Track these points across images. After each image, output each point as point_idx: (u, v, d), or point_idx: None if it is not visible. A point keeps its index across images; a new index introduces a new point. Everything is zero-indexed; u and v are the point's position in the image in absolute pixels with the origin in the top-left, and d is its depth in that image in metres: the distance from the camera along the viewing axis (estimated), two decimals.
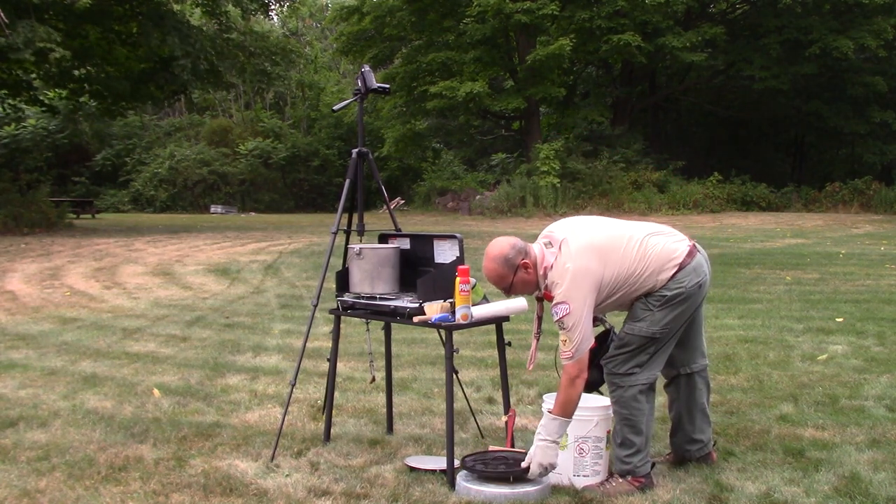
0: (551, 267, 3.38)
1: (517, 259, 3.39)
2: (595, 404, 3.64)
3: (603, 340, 3.67)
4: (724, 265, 12.28)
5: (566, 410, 3.31)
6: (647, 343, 3.45)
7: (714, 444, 3.77)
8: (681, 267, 3.41)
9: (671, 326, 3.45)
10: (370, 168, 4.14)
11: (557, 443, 3.33)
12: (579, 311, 3.29)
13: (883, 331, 6.88)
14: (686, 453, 3.70)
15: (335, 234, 4.02)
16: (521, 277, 3.42)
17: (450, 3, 27.26)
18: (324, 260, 4.05)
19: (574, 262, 3.32)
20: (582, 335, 3.30)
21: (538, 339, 3.71)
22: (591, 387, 3.66)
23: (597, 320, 3.66)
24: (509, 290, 3.46)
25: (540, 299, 3.58)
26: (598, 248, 3.37)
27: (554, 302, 3.34)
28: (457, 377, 3.81)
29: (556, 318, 3.33)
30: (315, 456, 3.89)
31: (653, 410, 3.53)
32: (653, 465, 3.54)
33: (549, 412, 3.33)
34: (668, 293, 3.40)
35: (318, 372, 5.49)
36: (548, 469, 3.34)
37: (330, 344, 4.11)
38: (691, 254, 3.47)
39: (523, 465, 3.36)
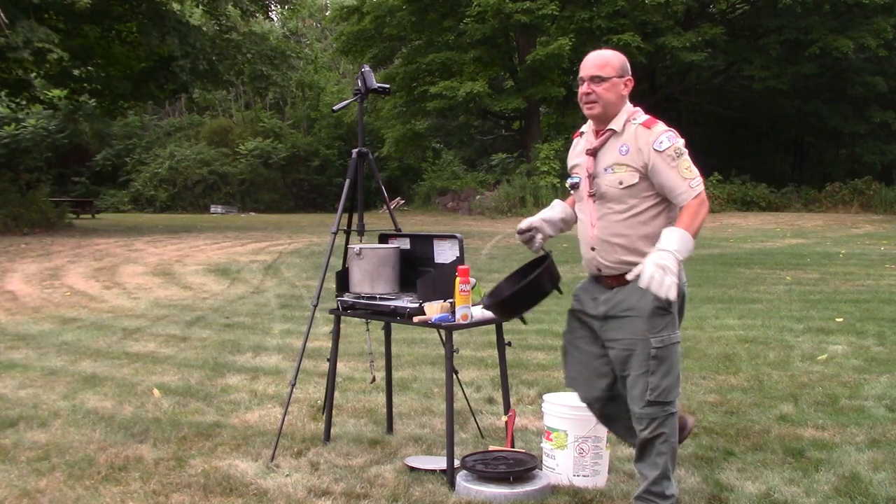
0: (654, 123, 3.03)
1: (628, 73, 3.08)
2: None
3: (536, 265, 3.27)
4: (724, 265, 12.29)
5: (696, 232, 2.90)
6: (676, 351, 3.03)
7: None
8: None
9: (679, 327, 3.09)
10: (370, 168, 4.14)
11: (678, 261, 2.83)
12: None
13: (883, 331, 6.88)
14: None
15: (335, 234, 4.02)
16: (615, 86, 3.04)
17: (450, 3, 27.26)
18: (324, 260, 4.05)
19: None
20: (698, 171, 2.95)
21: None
22: (505, 308, 3.28)
23: (535, 240, 3.33)
24: (588, 91, 3.05)
25: (594, 152, 3.10)
26: None
27: (656, 131, 2.97)
28: (457, 377, 3.81)
29: (664, 146, 2.94)
30: (315, 456, 3.89)
31: None
32: None
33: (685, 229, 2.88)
34: (683, 289, 3.05)
35: (318, 372, 5.49)
36: (666, 275, 2.77)
37: (330, 344, 4.11)
38: None
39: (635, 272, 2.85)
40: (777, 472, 3.63)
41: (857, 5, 25.63)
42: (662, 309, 2.95)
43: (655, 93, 33.41)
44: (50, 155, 35.13)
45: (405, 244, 3.98)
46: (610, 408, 3.24)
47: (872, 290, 9.39)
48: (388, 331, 4.38)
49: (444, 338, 3.65)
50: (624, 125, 3.04)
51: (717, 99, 33.44)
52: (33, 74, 22.70)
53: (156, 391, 5.14)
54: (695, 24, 29.27)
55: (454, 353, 3.54)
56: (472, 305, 3.56)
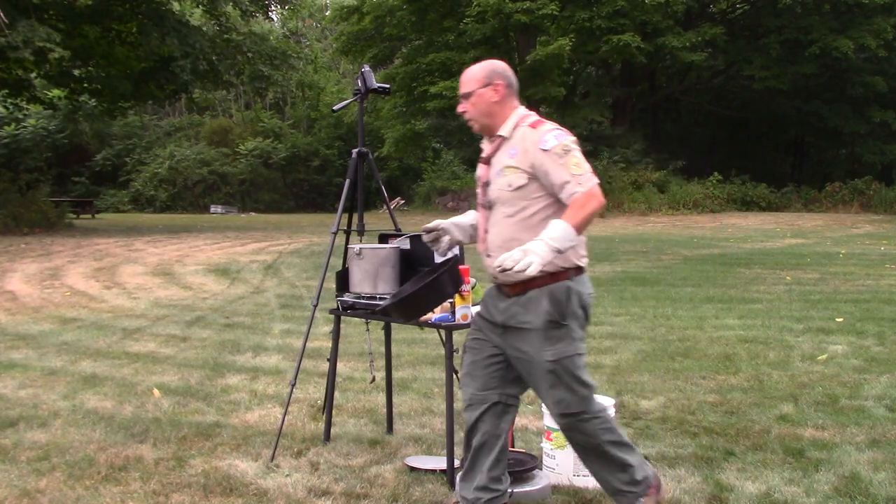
0: (540, 124, 2.95)
1: (494, 78, 3.05)
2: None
3: (442, 267, 3.20)
4: (724, 265, 12.29)
5: (581, 223, 2.81)
6: (578, 360, 2.93)
7: (510, 495, 3.19)
8: (585, 270, 2.99)
9: (584, 338, 2.99)
10: (370, 168, 4.14)
11: (558, 252, 2.76)
12: (581, 154, 2.89)
13: (883, 331, 6.88)
14: (476, 501, 3.01)
15: (335, 234, 4.02)
16: (481, 96, 3.03)
17: (450, 3, 27.27)
18: (324, 260, 4.05)
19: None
20: (589, 166, 2.89)
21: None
22: (404, 308, 3.23)
23: (441, 241, 3.27)
24: (462, 111, 3.08)
25: (487, 160, 3.07)
26: None
27: (541, 131, 2.90)
28: (457, 377, 3.81)
29: (549, 144, 2.87)
30: (315, 456, 3.89)
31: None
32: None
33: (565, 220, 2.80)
34: (588, 300, 2.96)
35: (318, 372, 5.49)
36: (525, 255, 2.68)
37: (330, 344, 4.11)
38: None
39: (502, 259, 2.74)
40: (777, 472, 3.63)
41: (857, 5, 25.65)
42: (555, 322, 2.88)
43: (655, 93, 33.44)
44: (50, 155, 35.15)
45: (405, 244, 3.98)
46: (486, 420, 3.05)
47: (872, 290, 9.39)
48: (388, 331, 4.38)
49: (444, 338, 3.65)
50: (513, 130, 3.01)
51: (717, 99, 33.47)
52: (33, 74, 22.71)
53: (156, 391, 5.14)
54: (695, 24, 29.30)
55: (454, 353, 3.54)
56: (472, 305, 3.56)
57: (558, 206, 2.90)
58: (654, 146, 30.93)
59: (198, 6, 23.49)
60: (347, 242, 4.13)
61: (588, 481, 3.48)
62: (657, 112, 35.18)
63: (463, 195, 28.30)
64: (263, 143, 37.91)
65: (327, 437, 4.11)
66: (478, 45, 26.82)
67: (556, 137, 2.88)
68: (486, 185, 3.05)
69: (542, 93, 26.46)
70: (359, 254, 3.81)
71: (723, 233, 19.57)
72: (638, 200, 26.30)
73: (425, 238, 3.33)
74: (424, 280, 3.26)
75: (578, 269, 2.94)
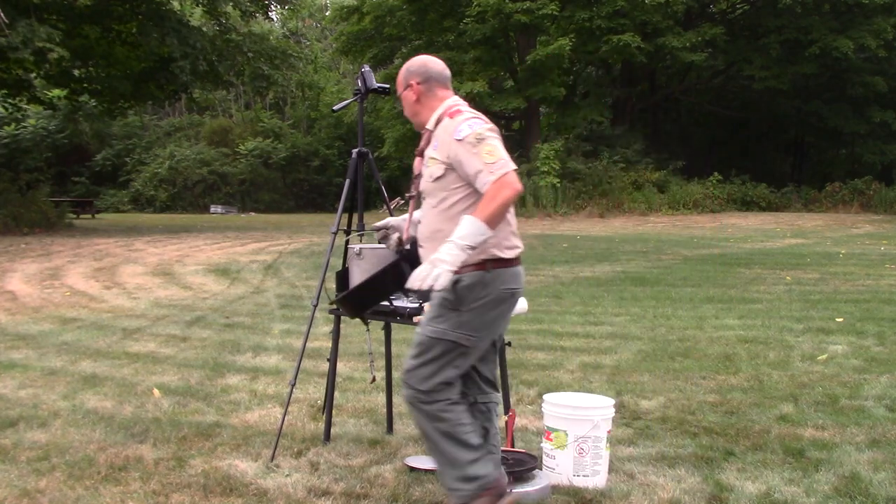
0: (458, 114, 2.98)
1: (410, 79, 3.11)
2: (594, 404, 3.64)
3: (391, 269, 3.19)
4: (724, 265, 12.29)
5: (492, 216, 2.78)
6: (451, 350, 2.93)
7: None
8: (511, 262, 2.97)
9: (481, 337, 2.96)
10: (370, 168, 4.14)
11: (471, 249, 2.78)
12: (499, 141, 2.87)
13: (883, 331, 6.88)
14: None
15: (335, 234, 4.02)
16: (405, 97, 3.13)
17: (450, 3, 27.27)
18: (323, 260, 4.05)
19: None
20: (506, 154, 2.84)
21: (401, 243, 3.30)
22: (348, 303, 3.25)
23: (390, 238, 3.34)
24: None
25: (420, 153, 3.12)
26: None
27: (457, 121, 2.92)
28: None
29: (463, 133, 2.87)
30: (315, 456, 3.89)
31: (475, 425, 3.03)
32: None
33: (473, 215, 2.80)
34: (492, 290, 2.91)
35: (318, 372, 5.49)
36: (434, 268, 2.74)
37: (330, 344, 4.11)
38: (520, 260, 3.04)
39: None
40: (777, 472, 3.63)
41: (857, 5, 25.65)
42: (450, 302, 2.90)
43: (655, 93, 33.44)
44: (50, 155, 35.16)
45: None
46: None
47: (872, 290, 9.39)
48: (388, 331, 4.38)
49: None
50: (436, 122, 3.05)
51: (717, 99, 33.47)
52: (33, 74, 22.71)
53: (156, 391, 5.14)
54: (695, 24, 29.30)
55: None
56: None
57: (477, 196, 2.90)
58: (654, 146, 30.93)
59: (198, 6, 23.49)
60: (347, 242, 4.13)
61: (588, 481, 3.48)
62: (657, 112, 35.18)
63: None
64: (263, 143, 37.91)
65: (327, 437, 4.10)
66: (478, 45, 26.83)
67: (470, 126, 2.89)
68: (418, 177, 3.12)
69: (542, 93, 26.47)
70: (359, 254, 3.81)
71: (723, 233, 19.57)
72: (638, 200, 26.30)
73: (377, 236, 3.42)
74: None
75: (499, 261, 2.91)
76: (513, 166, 2.85)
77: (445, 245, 2.77)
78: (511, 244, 2.96)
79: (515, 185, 2.82)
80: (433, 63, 3.17)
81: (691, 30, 27.85)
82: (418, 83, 3.10)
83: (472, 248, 2.77)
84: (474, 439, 2.96)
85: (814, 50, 26.20)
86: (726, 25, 29.17)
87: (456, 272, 2.81)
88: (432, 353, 2.93)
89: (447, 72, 3.17)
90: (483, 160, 2.83)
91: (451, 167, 2.93)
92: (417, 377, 2.94)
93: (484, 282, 2.90)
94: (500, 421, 4.23)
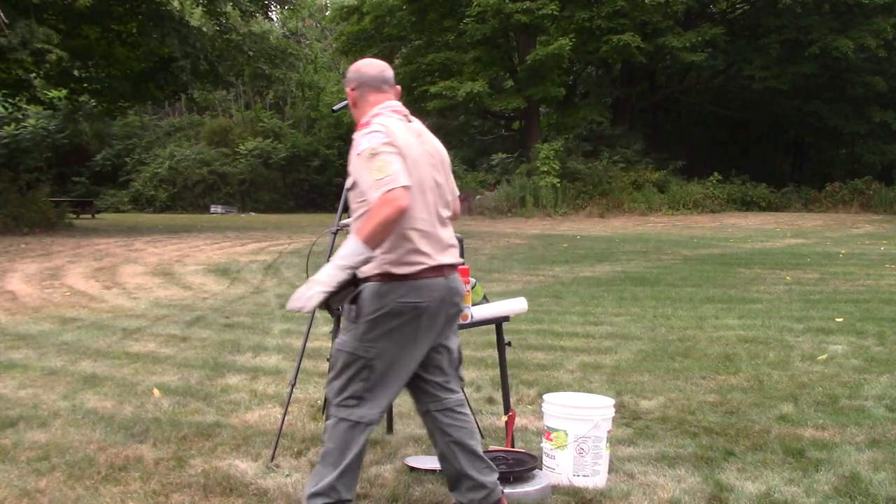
0: (365, 126, 2.93)
1: (348, 84, 3.10)
2: (594, 404, 3.64)
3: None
4: (724, 265, 12.29)
5: (370, 234, 2.72)
6: (353, 363, 2.92)
7: (502, 493, 3.12)
8: (410, 277, 2.88)
9: (380, 350, 2.90)
10: None
11: (350, 270, 2.77)
12: (395, 155, 2.79)
13: (883, 331, 6.88)
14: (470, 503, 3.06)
15: (335, 234, 4.02)
16: (349, 99, 3.13)
17: (450, 3, 27.27)
18: (323, 260, 4.04)
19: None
20: (398, 167, 2.75)
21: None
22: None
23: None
24: None
25: None
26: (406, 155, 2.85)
27: (359, 135, 2.88)
28: None
29: (361, 147, 2.83)
30: (315, 456, 3.88)
31: (362, 455, 2.98)
32: None
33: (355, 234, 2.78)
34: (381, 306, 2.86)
35: (318, 372, 5.49)
36: (309, 288, 2.75)
37: (330, 344, 4.11)
38: (439, 272, 2.94)
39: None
40: (777, 472, 3.63)
41: (857, 5, 25.65)
42: (351, 314, 2.91)
43: (655, 93, 33.44)
44: (50, 155, 35.13)
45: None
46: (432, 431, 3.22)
47: (872, 290, 9.39)
48: None
49: None
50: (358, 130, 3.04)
51: (717, 99, 33.47)
52: (33, 74, 22.71)
53: (156, 391, 5.14)
54: (695, 24, 29.30)
55: None
56: (472, 305, 3.56)
57: None
58: (654, 146, 30.92)
59: (197, 6, 23.49)
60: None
61: (588, 481, 3.49)
62: (657, 112, 35.18)
63: (463, 195, 28.24)
64: (263, 143, 37.89)
65: None
66: (478, 45, 26.82)
67: (368, 140, 2.84)
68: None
69: (542, 93, 26.46)
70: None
71: (723, 233, 19.56)
72: (638, 200, 26.30)
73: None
74: None
75: (390, 276, 2.85)
76: (402, 183, 2.73)
77: (323, 267, 2.77)
78: (410, 261, 2.87)
79: (398, 202, 2.70)
80: (367, 67, 3.12)
81: (691, 30, 27.84)
82: (352, 89, 3.09)
83: (352, 267, 2.75)
84: (346, 474, 2.91)
85: (814, 50, 26.20)
86: (726, 25, 29.16)
87: (361, 281, 2.84)
88: (339, 365, 2.96)
89: (385, 73, 3.09)
90: (373, 176, 2.76)
91: (356, 180, 2.92)
92: (331, 390, 2.98)
93: (380, 293, 2.86)
94: (500, 421, 4.24)
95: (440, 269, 2.94)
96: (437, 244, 2.96)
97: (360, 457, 2.96)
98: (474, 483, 3.02)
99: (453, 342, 3.12)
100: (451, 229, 3.09)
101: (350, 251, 2.73)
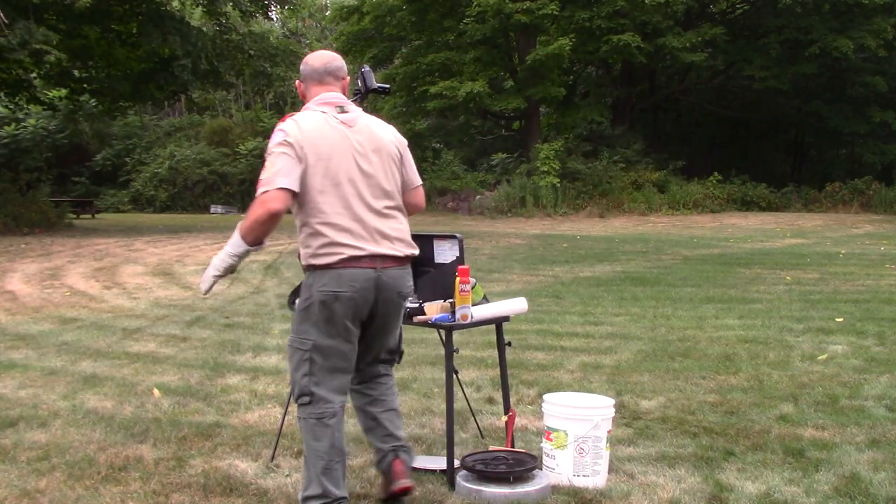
0: (280, 121, 3.00)
1: (301, 76, 3.14)
2: (594, 404, 3.64)
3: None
4: (724, 265, 12.29)
5: (246, 230, 2.89)
6: (293, 355, 3.04)
7: (405, 450, 3.27)
8: (331, 266, 2.92)
9: (314, 340, 2.97)
10: None
11: (235, 258, 2.95)
12: (285, 156, 2.85)
13: (883, 331, 6.88)
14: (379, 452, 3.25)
15: None
16: (300, 90, 3.20)
17: (450, 3, 27.26)
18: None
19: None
20: (280, 169, 2.82)
21: None
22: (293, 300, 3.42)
23: None
24: None
25: None
26: (319, 154, 2.90)
27: (275, 129, 2.97)
28: (457, 377, 3.81)
29: (269, 145, 2.94)
30: None
31: (339, 447, 3.01)
32: None
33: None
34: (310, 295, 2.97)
35: None
36: (206, 271, 3.07)
37: None
38: (367, 262, 2.95)
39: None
40: (777, 472, 3.63)
41: (857, 5, 25.63)
42: (301, 309, 3.02)
43: (655, 93, 33.43)
44: (50, 155, 35.13)
45: None
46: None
47: (872, 290, 9.39)
48: None
49: (444, 338, 3.65)
50: None
51: (717, 99, 33.44)
52: (33, 75, 22.71)
53: (156, 391, 5.14)
54: (695, 24, 29.29)
55: (454, 353, 3.54)
56: (472, 305, 3.56)
57: (297, 206, 2.98)
58: (654, 146, 30.91)
59: (197, 6, 23.48)
60: None
61: (588, 481, 3.49)
62: (657, 112, 35.17)
63: (463, 195, 28.29)
64: (263, 143, 37.74)
65: None
66: (478, 45, 26.80)
67: (272, 138, 2.93)
68: None
69: (542, 93, 26.45)
70: None
71: (723, 233, 19.56)
72: (638, 200, 26.29)
73: None
74: None
75: (313, 267, 2.97)
76: (279, 184, 2.82)
77: (220, 251, 2.96)
78: (327, 252, 2.93)
79: (268, 204, 2.81)
80: (313, 59, 3.14)
81: (691, 30, 27.83)
82: (300, 81, 3.14)
83: (238, 256, 2.93)
84: (329, 471, 2.97)
85: (814, 50, 26.18)
86: (726, 25, 29.14)
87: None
88: (290, 359, 3.08)
89: (330, 65, 3.09)
90: (261, 175, 2.89)
91: None
92: (293, 383, 3.08)
93: (307, 284, 2.99)
94: (500, 421, 4.24)
95: (369, 260, 2.95)
96: (366, 235, 2.97)
97: (337, 449, 2.98)
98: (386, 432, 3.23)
99: (391, 341, 3.24)
100: (397, 220, 3.07)
101: (234, 242, 2.93)
